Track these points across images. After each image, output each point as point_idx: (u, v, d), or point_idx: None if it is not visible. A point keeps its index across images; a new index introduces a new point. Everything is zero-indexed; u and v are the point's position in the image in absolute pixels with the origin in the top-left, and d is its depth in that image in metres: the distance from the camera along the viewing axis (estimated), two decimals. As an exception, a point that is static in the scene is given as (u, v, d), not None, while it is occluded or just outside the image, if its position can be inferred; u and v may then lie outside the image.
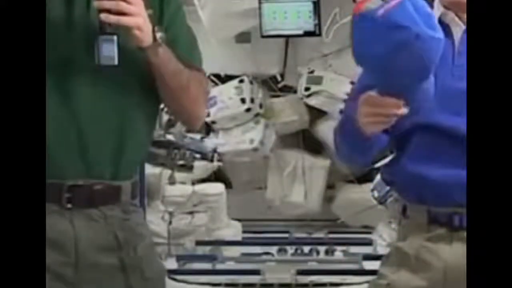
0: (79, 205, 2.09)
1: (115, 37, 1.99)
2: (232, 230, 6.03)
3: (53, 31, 2.01)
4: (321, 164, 6.40)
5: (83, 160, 2.08)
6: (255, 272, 5.03)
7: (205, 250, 5.72)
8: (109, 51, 2.00)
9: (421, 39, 1.96)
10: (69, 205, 2.08)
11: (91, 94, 2.07)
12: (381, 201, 5.06)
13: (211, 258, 5.47)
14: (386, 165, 2.30)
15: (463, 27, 2.25)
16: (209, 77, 6.47)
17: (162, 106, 2.24)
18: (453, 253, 2.18)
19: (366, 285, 4.36)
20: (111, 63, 2.00)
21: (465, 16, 2.21)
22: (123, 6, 1.97)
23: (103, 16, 1.98)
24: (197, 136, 5.92)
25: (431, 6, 2.33)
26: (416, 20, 1.95)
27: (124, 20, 1.98)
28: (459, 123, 2.13)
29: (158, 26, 2.06)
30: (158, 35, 2.03)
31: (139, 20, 1.99)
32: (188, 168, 5.60)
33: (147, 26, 2.01)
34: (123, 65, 2.03)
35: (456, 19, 2.26)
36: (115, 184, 2.13)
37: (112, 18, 1.97)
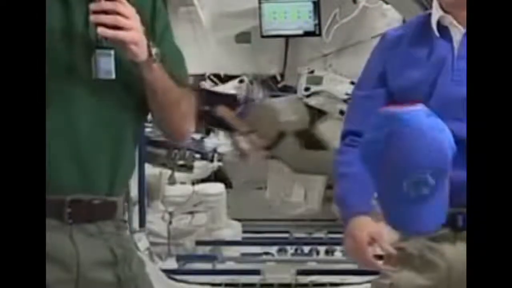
0: (79, 221, 2.07)
1: (112, 51, 1.98)
2: (232, 230, 6.03)
3: (51, 44, 2.00)
4: (321, 164, 6.40)
5: (82, 175, 2.07)
6: (255, 272, 5.03)
7: (205, 250, 5.73)
8: (106, 65, 1.98)
9: None
10: (70, 221, 2.06)
11: (91, 108, 2.06)
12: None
13: (211, 258, 5.47)
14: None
15: (463, 30, 2.24)
16: (209, 77, 6.49)
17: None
18: (457, 253, 2.18)
19: (366, 285, 4.37)
20: (108, 77, 1.99)
21: (464, 18, 2.20)
22: (120, 20, 1.96)
23: (100, 30, 1.96)
24: (197, 136, 5.92)
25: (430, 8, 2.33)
26: None
27: (121, 34, 1.96)
28: (460, 128, 2.11)
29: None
30: (153, 50, 2.03)
31: (135, 34, 1.98)
32: (188, 168, 5.60)
33: (143, 41, 2.00)
34: (119, 79, 2.02)
35: (455, 22, 2.25)
36: (112, 200, 2.13)
37: (109, 33, 1.96)
